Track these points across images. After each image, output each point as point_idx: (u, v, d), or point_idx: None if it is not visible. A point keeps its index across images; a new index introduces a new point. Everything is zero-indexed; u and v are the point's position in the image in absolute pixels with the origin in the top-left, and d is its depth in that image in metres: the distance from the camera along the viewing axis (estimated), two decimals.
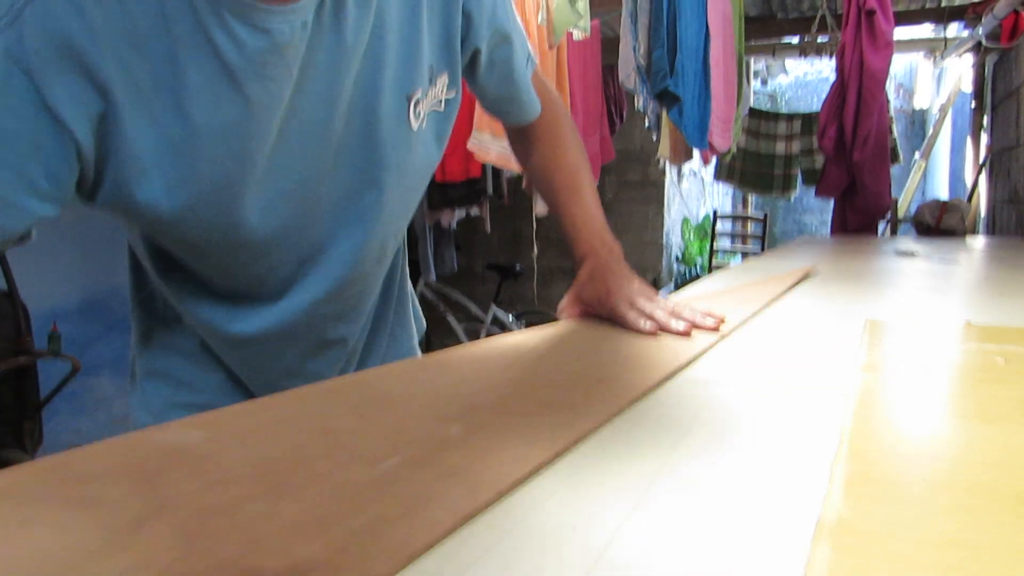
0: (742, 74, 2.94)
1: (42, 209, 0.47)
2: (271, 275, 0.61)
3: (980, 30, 3.01)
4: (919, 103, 6.00)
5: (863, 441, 0.37)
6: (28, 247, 0.49)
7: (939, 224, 2.44)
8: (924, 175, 5.11)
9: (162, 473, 0.32)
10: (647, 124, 3.05)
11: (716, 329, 0.68)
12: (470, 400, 0.45)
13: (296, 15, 0.49)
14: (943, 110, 4.55)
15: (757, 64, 4.87)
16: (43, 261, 2.50)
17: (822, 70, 7.16)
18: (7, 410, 2.14)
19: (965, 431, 0.40)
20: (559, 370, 0.54)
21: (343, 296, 0.65)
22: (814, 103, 6.94)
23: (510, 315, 3.89)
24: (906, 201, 4.17)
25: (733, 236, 5.36)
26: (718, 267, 4.69)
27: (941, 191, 5.44)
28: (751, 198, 6.22)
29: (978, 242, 2.17)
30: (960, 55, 3.63)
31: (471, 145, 2.51)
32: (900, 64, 6.23)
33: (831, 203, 3.00)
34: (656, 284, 4.70)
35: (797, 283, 1.07)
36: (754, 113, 4.51)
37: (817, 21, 3.51)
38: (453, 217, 3.74)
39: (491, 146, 2.53)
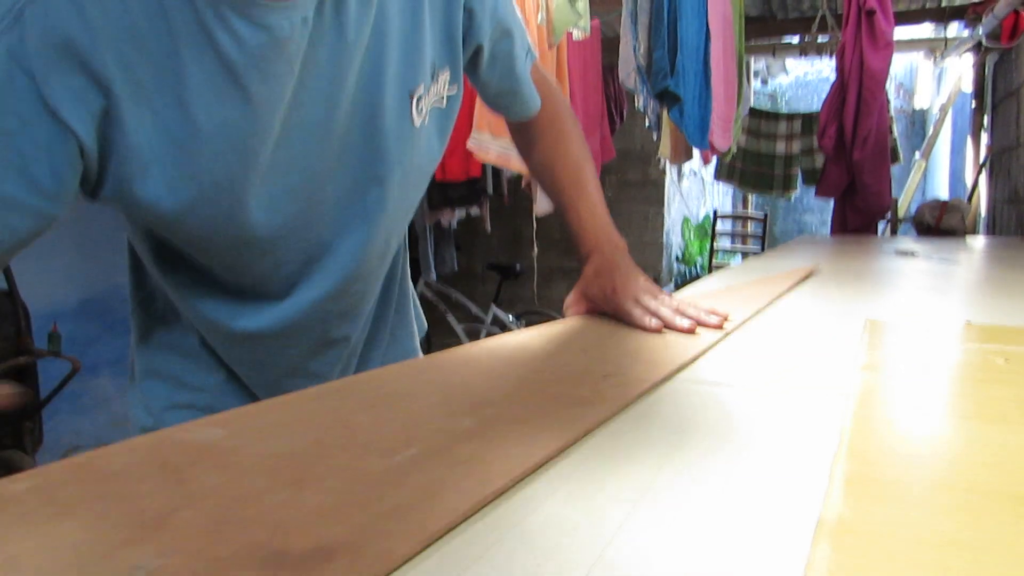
0: (742, 74, 2.94)
1: (49, 208, 0.47)
2: (276, 272, 0.61)
3: (980, 30, 3.01)
4: (919, 103, 6.00)
5: (863, 441, 0.37)
6: (28, 247, 0.49)
7: (939, 224, 2.44)
8: (924, 175, 5.11)
9: (186, 468, 0.34)
10: (647, 124, 3.05)
11: (720, 327, 0.68)
12: (480, 395, 0.46)
13: (296, 11, 0.49)
14: (943, 110, 4.55)
15: (757, 64, 4.87)
16: (43, 261, 2.50)
17: (822, 70, 7.16)
18: (7, 410, 2.14)
19: (965, 431, 0.40)
20: (567, 366, 0.55)
21: (347, 293, 0.65)
22: (814, 103, 6.94)
23: (510, 315, 3.89)
24: (906, 201, 4.17)
25: (733, 236, 5.36)
26: (718, 267, 4.69)
27: (941, 191, 5.44)
28: (751, 198, 6.22)
29: (978, 242, 2.17)
30: (960, 55, 3.63)
31: (471, 144, 2.51)
32: (900, 64, 6.22)
33: (831, 203, 3.00)
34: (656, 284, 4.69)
35: (800, 282, 1.07)
36: (754, 113, 4.51)
37: (817, 21, 3.51)
38: (453, 217, 3.74)
39: (491, 145, 2.53)
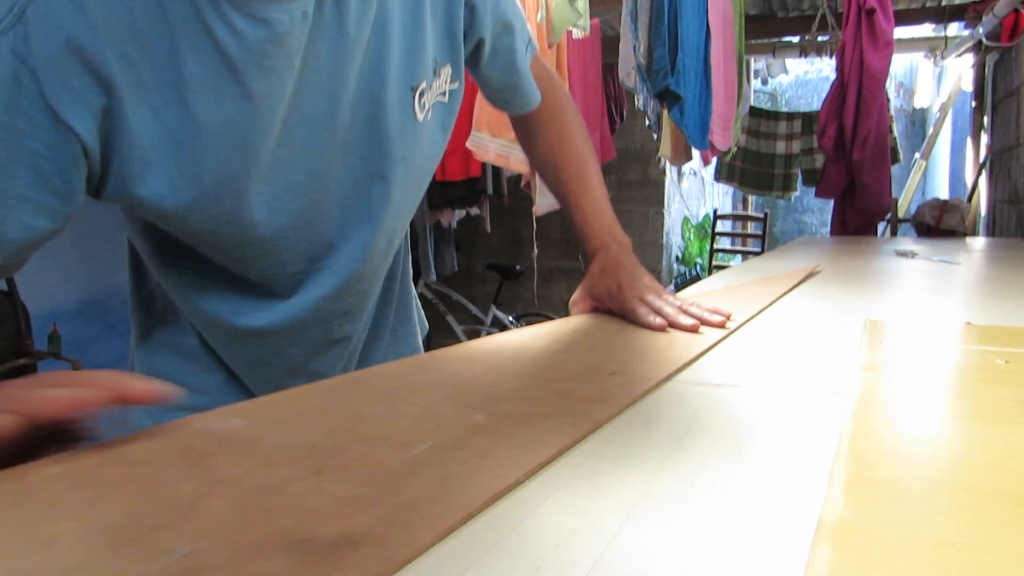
0: (742, 73, 2.94)
1: (61, 207, 0.47)
2: (281, 271, 0.61)
3: (980, 29, 3.01)
4: (919, 102, 6.00)
5: (863, 441, 0.37)
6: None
7: (939, 224, 2.44)
8: (924, 175, 5.11)
9: (210, 456, 0.34)
10: (647, 123, 3.05)
11: (723, 326, 0.69)
12: (491, 390, 0.47)
13: (295, 5, 0.49)
14: (943, 110, 4.55)
15: (757, 63, 4.87)
16: (43, 262, 2.50)
17: (822, 69, 7.16)
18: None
19: (965, 431, 0.40)
20: (574, 363, 0.56)
21: (351, 292, 0.65)
22: (814, 102, 6.94)
23: (510, 316, 3.89)
24: (906, 201, 4.17)
25: (733, 236, 5.36)
26: (718, 267, 4.68)
27: (941, 191, 5.44)
28: (751, 198, 6.22)
29: (978, 242, 2.17)
30: (960, 54, 3.63)
31: (470, 144, 2.51)
32: (900, 63, 6.22)
33: (831, 203, 3.00)
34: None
35: (802, 281, 1.08)
36: (754, 112, 4.51)
37: (817, 20, 3.51)
38: (453, 217, 3.74)
39: (490, 145, 2.53)
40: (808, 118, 4.39)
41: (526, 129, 0.84)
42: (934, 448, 0.37)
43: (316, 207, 0.59)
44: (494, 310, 3.82)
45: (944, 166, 5.54)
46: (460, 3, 0.63)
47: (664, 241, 4.84)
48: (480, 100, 2.54)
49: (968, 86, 3.95)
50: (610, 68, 3.32)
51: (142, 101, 0.48)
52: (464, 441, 0.37)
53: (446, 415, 0.41)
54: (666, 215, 4.84)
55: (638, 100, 2.69)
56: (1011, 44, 2.89)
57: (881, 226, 3.01)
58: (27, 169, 0.45)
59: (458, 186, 3.36)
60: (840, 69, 2.77)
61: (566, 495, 0.32)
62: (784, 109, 6.08)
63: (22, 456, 0.33)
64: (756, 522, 0.29)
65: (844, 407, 0.44)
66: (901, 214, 2.93)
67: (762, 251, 4.53)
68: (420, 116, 0.61)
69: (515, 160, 2.60)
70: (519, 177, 2.99)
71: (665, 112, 2.80)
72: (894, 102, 5.56)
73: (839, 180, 2.85)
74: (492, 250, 4.85)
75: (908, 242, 2.07)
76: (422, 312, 0.85)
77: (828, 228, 3.10)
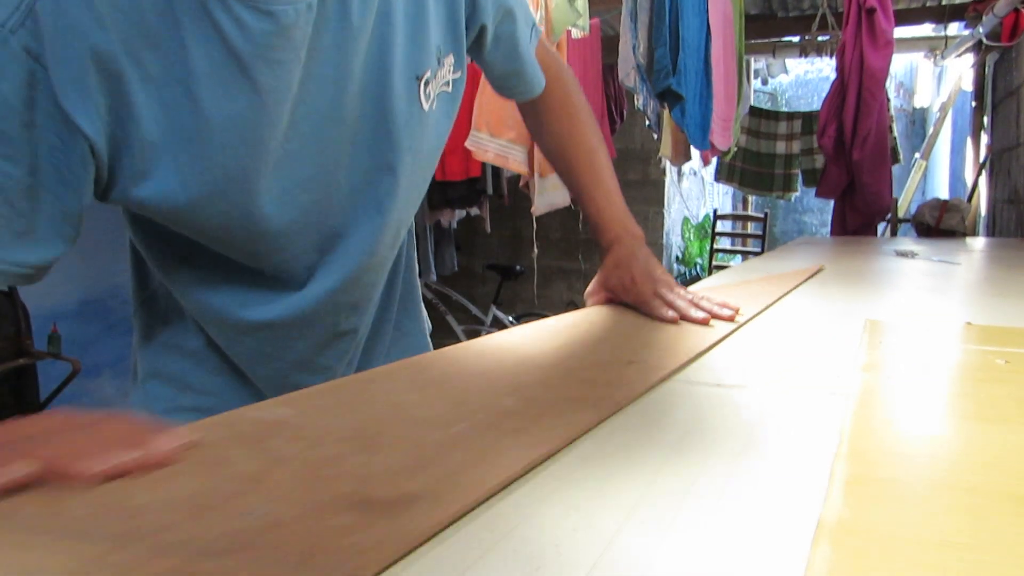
0: (742, 73, 2.94)
1: (74, 204, 0.48)
2: (292, 264, 0.61)
3: (981, 29, 3.01)
4: (919, 102, 6.00)
5: (863, 441, 0.37)
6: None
7: (939, 224, 2.44)
8: (924, 175, 5.11)
9: (265, 440, 0.37)
10: (647, 123, 3.05)
11: (732, 319, 0.72)
12: (518, 378, 0.50)
13: None
14: (943, 109, 4.55)
15: (757, 63, 4.87)
16: None
17: (822, 69, 7.15)
18: (7, 411, 2.14)
19: (965, 431, 0.40)
20: (593, 353, 0.59)
21: (359, 284, 0.65)
22: (814, 102, 6.94)
23: (509, 316, 3.89)
24: (906, 201, 4.17)
25: (733, 236, 5.36)
26: (718, 267, 4.68)
27: (941, 191, 5.44)
28: (751, 198, 6.22)
29: (978, 242, 2.17)
30: (960, 54, 3.63)
31: (469, 144, 2.51)
32: (900, 63, 6.22)
33: (831, 203, 3.00)
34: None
35: (807, 279, 1.09)
36: (754, 112, 4.51)
37: (817, 20, 3.51)
38: (453, 217, 3.74)
39: (489, 145, 2.53)
40: (808, 118, 4.39)
41: (535, 117, 0.84)
42: (934, 448, 0.37)
43: (326, 199, 0.59)
44: (494, 310, 3.82)
45: (944, 166, 5.54)
46: None
47: (664, 241, 4.85)
48: (480, 100, 2.54)
49: (968, 86, 3.95)
50: (610, 68, 3.32)
51: (150, 96, 0.48)
52: (497, 423, 0.40)
53: (478, 400, 0.44)
54: (666, 215, 4.84)
55: (638, 100, 2.69)
56: (1011, 44, 2.89)
57: (881, 226, 3.01)
58: (49, 164, 0.45)
59: (458, 186, 3.36)
60: (840, 69, 2.77)
61: (566, 495, 0.32)
62: (784, 109, 6.08)
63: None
64: (756, 522, 0.29)
65: (844, 407, 0.44)
66: (901, 214, 2.93)
67: (762, 251, 4.53)
68: (426, 106, 0.61)
69: (514, 160, 2.60)
70: (519, 177, 2.99)
71: (665, 112, 2.80)
72: (894, 102, 5.56)
73: (839, 180, 2.85)
74: (492, 250, 4.85)
75: (908, 242, 2.07)
76: (425, 313, 0.85)
77: (828, 228, 3.10)
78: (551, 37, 2.31)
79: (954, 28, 3.72)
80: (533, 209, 2.76)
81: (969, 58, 3.71)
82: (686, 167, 5.14)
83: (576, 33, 2.48)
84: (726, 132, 2.78)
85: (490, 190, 3.36)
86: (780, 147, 4.46)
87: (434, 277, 4.01)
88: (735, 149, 3.70)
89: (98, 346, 2.77)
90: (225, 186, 0.52)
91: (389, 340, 0.76)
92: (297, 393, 0.46)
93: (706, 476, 0.34)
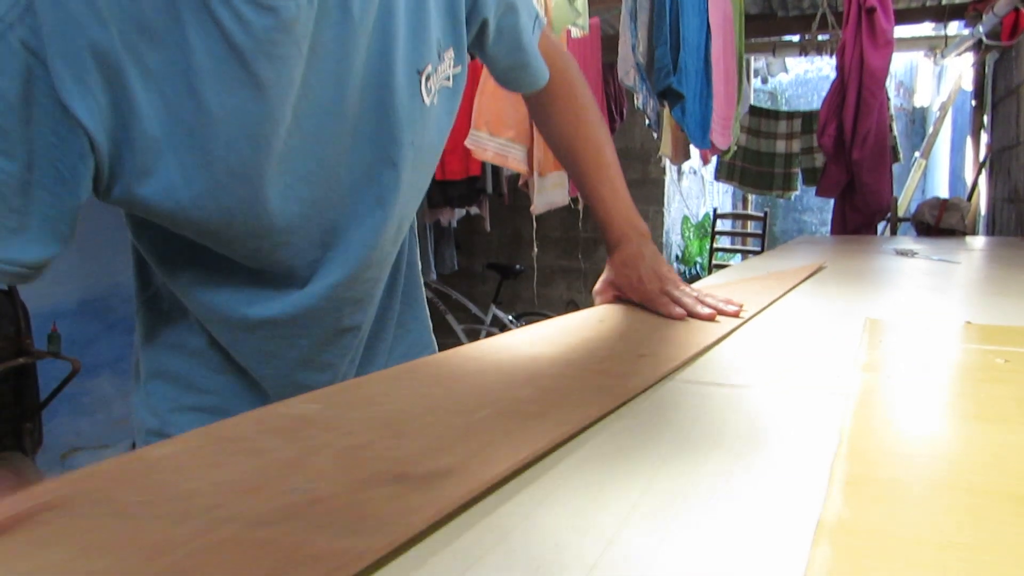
0: (742, 72, 2.94)
1: (71, 201, 0.47)
2: (295, 260, 0.61)
3: (980, 28, 3.01)
4: (919, 101, 6.00)
5: (863, 441, 0.37)
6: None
7: (939, 223, 2.44)
8: (924, 174, 5.11)
9: (299, 431, 0.39)
10: (647, 122, 3.05)
11: (737, 315, 0.74)
12: (534, 371, 0.52)
13: None
14: (943, 108, 4.55)
15: (757, 62, 4.86)
16: None
17: (822, 68, 7.15)
18: (7, 411, 2.14)
19: (965, 431, 0.40)
20: (605, 347, 0.61)
21: (362, 280, 0.64)
22: (814, 101, 6.93)
23: (509, 316, 3.89)
24: (906, 200, 4.17)
25: (733, 235, 5.35)
26: (718, 266, 4.68)
27: (941, 190, 5.44)
28: (751, 197, 6.22)
29: (978, 241, 2.17)
30: (960, 53, 3.63)
31: (469, 143, 2.51)
32: (900, 62, 6.22)
33: (831, 203, 3.00)
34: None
35: (809, 277, 1.11)
36: (754, 111, 4.51)
37: (817, 19, 3.51)
38: (453, 216, 3.74)
39: (488, 144, 2.53)
40: (808, 117, 4.39)
41: (541, 112, 0.84)
42: (934, 448, 0.37)
43: (328, 194, 0.59)
44: (494, 309, 3.82)
45: (944, 165, 5.54)
46: None
47: (664, 240, 4.84)
48: (479, 99, 2.54)
49: (968, 85, 3.95)
50: (610, 67, 3.32)
51: (151, 91, 0.48)
52: (517, 408, 0.42)
53: (497, 391, 0.47)
54: (666, 214, 4.84)
55: (637, 99, 2.69)
56: (1011, 43, 2.89)
57: (881, 225, 3.01)
58: (46, 161, 0.45)
59: (458, 185, 3.36)
60: (840, 68, 2.77)
61: (566, 495, 0.32)
62: (784, 108, 6.08)
63: None
64: (756, 522, 0.29)
65: (844, 407, 0.44)
66: (901, 213, 2.93)
67: (762, 250, 4.53)
68: (427, 100, 0.61)
69: (513, 159, 2.60)
70: (519, 176, 2.99)
71: (665, 111, 2.80)
72: (894, 101, 5.55)
73: (839, 179, 2.85)
74: (492, 249, 4.85)
75: (908, 241, 2.07)
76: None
77: (828, 227, 3.11)
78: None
79: (954, 27, 3.72)
80: (532, 208, 2.76)
81: (969, 57, 3.71)
82: (686, 166, 5.14)
83: (576, 32, 2.48)
84: (726, 131, 2.78)
85: (490, 189, 3.36)
86: (780, 146, 4.45)
87: (434, 276, 4.01)
88: (735, 148, 3.70)
89: (98, 345, 2.77)
90: (227, 181, 0.52)
91: (392, 337, 0.76)
92: (322, 391, 0.48)
93: (706, 476, 0.34)
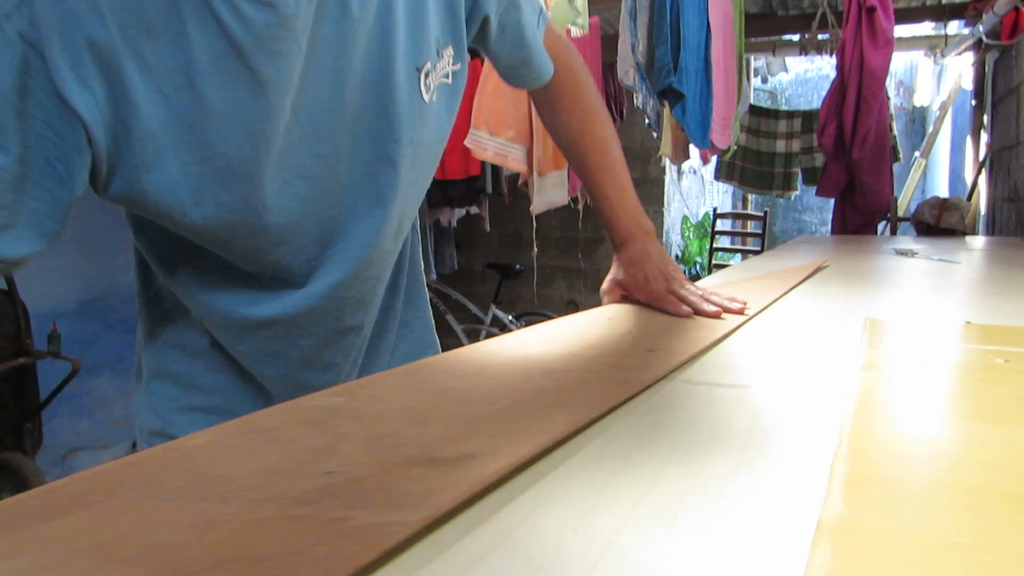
0: (742, 71, 2.94)
1: (63, 195, 0.47)
2: (294, 258, 0.60)
3: (980, 27, 3.01)
4: (919, 101, 6.00)
5: (863, 441, 0.37)
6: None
7: (939, 223, 2.44)
8: (924, 173, 5.11)
9: (327, 421, 0.40)
10: (646, 122, 3.05)
11: (742, 312, 0.75)
12: (549, 365, 0.54)
13: None
14: (943, 108, 4.55)
15: (757, 61, 4.86)
16: (42, 261, 2.50)
17: (822, 67, 7.15)
18: (7, 411, 2.14)
19: (965, 431, 0.40)
20: (615, 343, 0.63)
21: (363, 279, 0.64)
22: (814, 100, 6.93)
23: (509, 316, 3.89)
24: (906, 200, 4.17)
25: (733, 235, 5.35)
26: (718, 266, 4.68)
27: (941, 189, 5.43)
28: (751, 197, 6.22)
29: (978, 241, 2.17)
30: (960, 52, 3.63)
31: (468, 142, 2.51)
32: (900, 62, 6.22)
33: (831, 202, 3.00)
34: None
35: (811, 275, 1.12)
36: (754, 110, 4.51)
37: (817, 18, 3.51)
38: (453, 215, 3.74)
39: (488, 143, 2.53)
40: (808, 116, 4.39)
41: (546, 107, 0.85)
42: (934, 448, 0.37)
43: (327, 191, 0.59)
44: (494, 309, 3.82)
45: (944, 164, 5.54)
46: None
47: (664, 240, 4.84)
48: (479, 98, 2.54)
49: (968, 84, 3.95)
50: (610, 66, 3.32)
51: (151, 87, 0.48)
52: (536, 399, 0.44)
53: (515, 383, 0.48)
54: (666, 214, 4.84)
55: (637, 99, 2.69)
56: (1011, 42, 2.89)
57: (881, 225, 3.01)
58: (39, 155, 0.45)
59: (458, 184, 3.36)
60: (840, 67, 2.77)
61: (566, 496, 0.32)
62: (784, 107, 6.08)
63: None
64: (756, 522, 0.29)
65: (844, 407, 0.44)
66: (901, 213, 2.93)
67: (762, 250, 4.53)
68: (426, 97, 0.61)
69: (513, 159, 2.60)
70: (518, 175, 2.99)
71: (665, 110, 2.80)
72: (894, 100, 5.55)
73: (839, 179, 2.85)
74: (492, 249, 4.85)
75: (908, 241, 2.07)
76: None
77: (827, 227, 3.11)
78: None
79: (954, 27, 3.72)
80: (532, 208, 2.76)
81: (969, 56, 3.71)
82: (686, 166, 5.14)
83: (576, 31, 2.47)
84: (726, 130, 2.78)
85: (490, 188, 3.36)
86: (780, 146, 4.45)
87: (434, 276, 4.01)
88: (735, 148, 3.70)
89: (98, 345, 2.77)
90: (227, 178, 0.52)
91: (395, 337, 0.76)
92: (346, 385, 0.50)
93: (706, 476, 0.34)
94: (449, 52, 0.63)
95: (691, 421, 0.42)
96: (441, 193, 3.42)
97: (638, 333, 0.68)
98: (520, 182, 2.98)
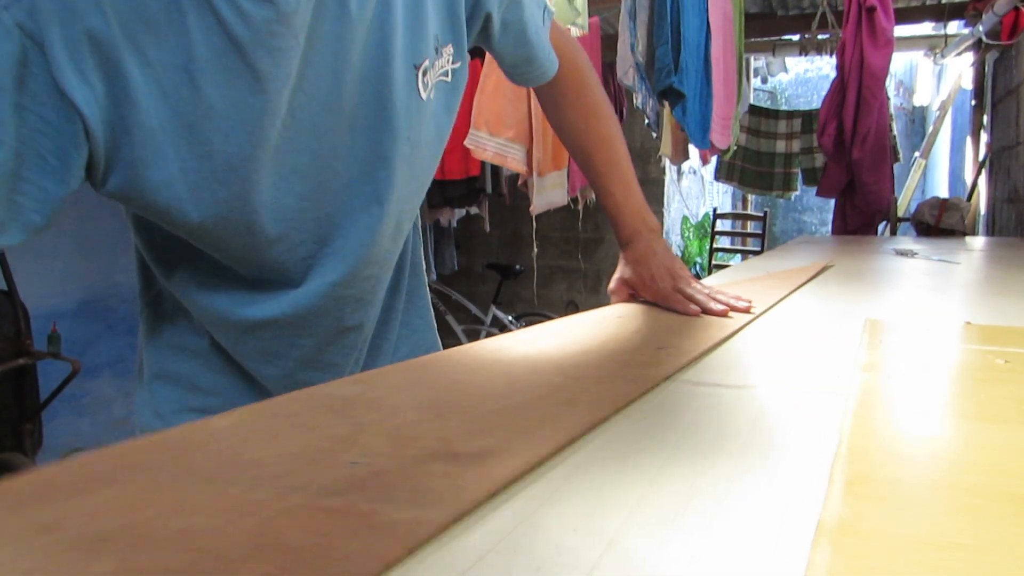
0: (742, 71, 2.94)
1: (55, 189, 0.46)
2: (290, 257, 0.60)
3: (980, 27, 3.01)
4: (919, 101, 6.00)
5: (863, 441, 0.37)
6: (28, 247, 0.49)
7: (939, 223, 2.44)
8: (924, 173, 5.11)
9: (346, 410, 0.41)
10: (646, 122, 3.05)
11: (748, 311, 0.76)
12: (560, 361, 0.54)
13: None
14: (943, 108, 4.55)
15: (757, 61, 4.86)
16: (43, 261, 2.50)
17: (822, 67, 7.15)
18: (7, 412, 2.14)
19: (965, 431, 0.40)
20: (626, 341, 0.64)
21: (362, 277, 0.64)
22: (814, 100, 6.93)
23: (509, 316, 3.89)
24: (906, 200, 4.17)
25: (733, 235, 5.35)
26: (718, 266, 4.68)
27: (941, 190, 5.44)
28: (751, 197, 6.22)
29: (978, 241, 2.17)
30: (960, 52, 3.63)
31: (468, 142, 2.51)
32: (900, 62, 6.22)
33: (831, 203, 3.00)
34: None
35: (816, 275, 1.12)
36: (754, 111, 4.51)
37: (817, 18, 3.51)
38: (453, 216, 3.74)
39: (488, 144, 2.53)
40: (808, 117, 4.39)
41: (551, 104, 0.85)
42: (934, 448, 0.37)
43: (322, 188, 0.59)
44: (494, 310, 3.82)
45: (944, 165, 5.54)
46: None
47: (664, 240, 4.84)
48: (479, 99, 2.54)
49: (968, 84, 3.95)
50: (610, 66, 3.32)
51: (151, 83, 0.47)
52: (549, 395, 0.45)
53: (527, 378, 0.49)
54: (666, 214, 4.84)
55: (636, 99, 2.69)
56: (1011, 42, 2.89)
57: (881, 225, 3.01)
58: (28, 147, 0.44)
59: (457, 185, 3.36)
60: (840, 67, 2.77)
61: (567, 496, 0.32)
62: (784, 108, 6.08)
63: None
64: (756, 522, 0.29)
65: (844, 407, 0.44)
66: (900, 213, 2.93)
67: (762, 250, 4.53)
68: (424, 95, 0.61)
69: (512, 159, 2.60)
70: (518, 176, 2.99)
71: (665, 111, 2.80)
72: (894, 100, 5.55)
73: (839, 179, 2.85)
74: (492, 249, 4.85)
75: (908, 241, 2.07)
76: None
77: (827, 227, 3.12)
78: None
79: (954, 27, 3.72)
80: (532, 208, 2.76)
81: (969, 56, 3.71)
82: (685, 166, 5.14)
83: (575, 31, 2.47)
84: (725, 131, 2.78)
85: (489, 189, 3.36)
86: (780, 146, 4.45)
87: (434, 276, 4.01)
88: (735, 148, 3.70)
89: (98, 346, 2.76)
90: (225, 174, 0.52)
91: (396, 337, 0.76)
92: (364, 374, 0.51)
93: (706, 477, 0.34)
94: (449, 51, 0.63)
95: (691, 421, 0.42)
96: (441, 193, 3.41)
97: (647, 331, 0.68)
98: (520, 182, 2.98)
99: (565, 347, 0.60)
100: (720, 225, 4.87)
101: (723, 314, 0.74)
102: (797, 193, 4.60)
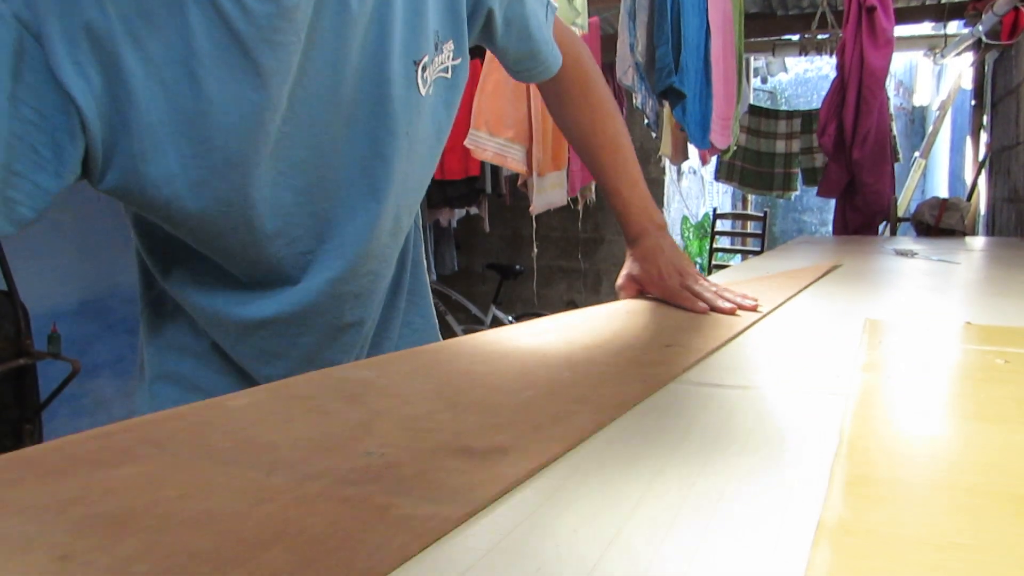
0: (742, 71, 2.94)
1: (47, 183, 0.46)
2: (288, 253, 0.60)
3: (980, 27, 3.01)
4: (919, 101, 6.00)
5: (863, 441, 0.37)
6: (28, 247, 0.49)
7: (939, 223, 2.44)
8: (924, 174, 5.11)
9: (360, 396, 0.41)
10: (646, 122, 3.05)
11: (755, 309, 0.77)
12: (570, 356, 0.55)
13: None
14: (943, 108, 4.55)
15: (757, 61, 4.86)
16: (42, 261, 2.50)
17: (822, 67, 7.15)
18: (7, 412, 2.14)
19: (965, 431, 0.40)
20: (634, 338, 0.64)
21: (361, 273, 0.64)
22: (814, 100, 6.93)
23: (509, 316, 3.89)
24: (906, 200, 4.17)
25: (732, 235, 5.35)
26: (717, 267, 4.68)
27: (941, 190, 5.44)
28: (751, 197, 6.22)
29: (978, 241, 2.17)
30: (960, 52, 3.63)
31: (468, 142, 2.51)
32: (900, 62, 6.22)
33: (831, 203, 3.00)
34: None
35: (824, 275, 1.13)
36: (754, 111, 4.51)
37: (817, 18, 3.51)
38: (452, 216, 3.74)
39: (488, 144, 2.53)
40: (808, 117, 4.39)
41: (555, 101, 0.85)
42: (934, 448, 0.37)
43: (321, 183, 0.58)
44: (494, 310, 3.82)
45: (943, 165, 5.54)
46: None
47: None
48: (479, 99, 2.54)
49: (968, 84, 3.95)
50: (610, 66, 3.32)
51: (151, 78, 0.47)
52: (560, 391, 0.45)
53: (538, 372, 0.49)
54: (665, 214, 4.84)
55: (636, 99, 2.69)
56: (1011, 42, 2.89)
57: (881, 226, 3.01)
58: (21, 140, 0.44)
59: (457, 185, 3.36)
60: (840, 67, 2.77)
61: (567, 496, 0.32)
62: (784, 108, 6.08)
63: None
64: (756, 522, 0.29)
65: (844, 407, 0.44)
66: (900, 213, 2.93)
67: (761, 250, 4.53)
68: (423, 91, 0.61)
69: (512, 159, 2.60)
70: (518, 176, 2.99)
71: (665, 111, 2.80)
72: (894, 100, 5.55)
73: (839, 179, 2.85)
74: (492, 249, 4.85)
75: (908, 241, 2.07)
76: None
77: (827, 227, 3.12)
78: None
79: (954, 27, 3.72)
80: (531, 208, 2.76)
81: (969, 56, 3.71)
82: (685, 166, 5.14)
83: (575, 31, 2.48)
84: (725, 131, 2.78)
85: (489, 189, 3.36)
86: (780, 146, 4.46)
87: (434, 277, 4.01)
88: (735, 148, 3.70)
89: (98, 346, 2.76)
90: (224, 169, 0.52)
91: (397, 336, 0.76)
92: (376, 358, 0.51)
93: (706, 477, 0.34)
94: (449, 47, 0.64)
95: (691, 422, 0.42)
96: (441, 193, 3.42)
97: (655, 328, 0.69)
98: (520, 182, 2.98)
99: (575, 340, 0.60)
100: (720, 225, 4.87)
101: (731, 312, 0.75)
102: (797, 193, 4.60)
